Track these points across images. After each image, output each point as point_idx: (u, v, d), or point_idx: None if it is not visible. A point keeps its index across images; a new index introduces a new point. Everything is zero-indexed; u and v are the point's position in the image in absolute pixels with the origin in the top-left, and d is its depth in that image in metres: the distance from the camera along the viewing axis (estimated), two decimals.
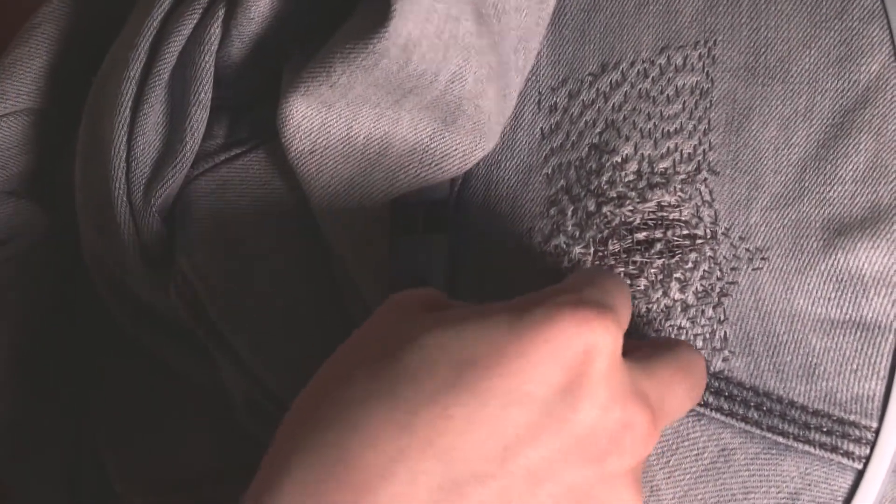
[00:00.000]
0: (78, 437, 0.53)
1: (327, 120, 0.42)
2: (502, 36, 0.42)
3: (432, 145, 0.43)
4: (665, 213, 0.42)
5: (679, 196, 0.42)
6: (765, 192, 0.41)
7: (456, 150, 0.43)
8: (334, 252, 0.44)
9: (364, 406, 0.33)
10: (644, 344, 0.38)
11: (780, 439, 0.40)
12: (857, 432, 0.40)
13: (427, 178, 0.44)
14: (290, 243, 0.45)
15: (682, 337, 0.41)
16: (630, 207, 0.42)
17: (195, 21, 0.43)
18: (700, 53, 0.43)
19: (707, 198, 0.42)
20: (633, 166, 0.42)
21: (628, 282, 0.41)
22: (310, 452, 0.33)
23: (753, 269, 0.41)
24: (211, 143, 0.46)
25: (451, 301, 0.38)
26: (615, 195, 0.42)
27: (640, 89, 0.43)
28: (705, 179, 0.42)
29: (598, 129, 0.43)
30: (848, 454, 0.40)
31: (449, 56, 0.40)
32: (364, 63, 0.40)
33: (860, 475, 0.40)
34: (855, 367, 0.40)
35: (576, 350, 0.33)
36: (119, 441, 0.52)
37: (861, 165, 0.41)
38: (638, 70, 0.44)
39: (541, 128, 0.44)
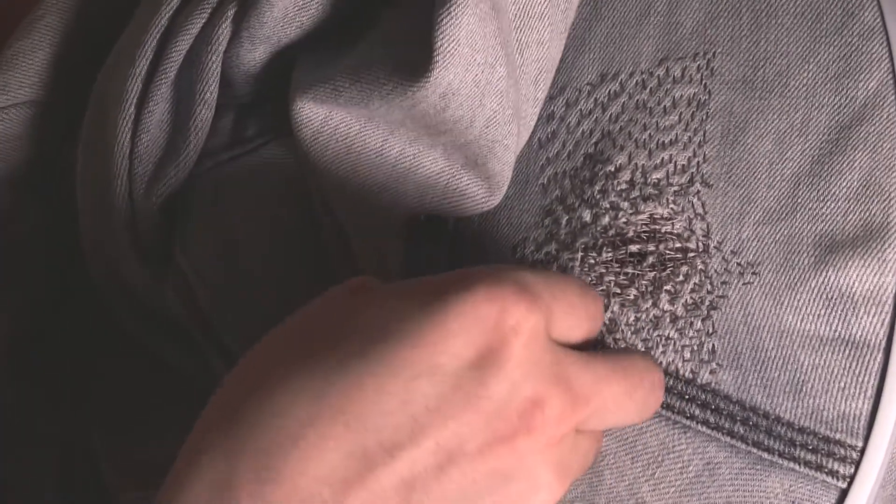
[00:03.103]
0: (72, 432, 0.53)
1: (365, 129, 0.42)
2: (523, 70, 0.42)
3: (461, 172, 0.43)
4: (658, 226, 0.42)
5: (671, 208, 0.42)
6: (757, 206, 0.41)
7: (481, 186, 0.44)
8: (352, 252, 0.44)
9: (281, 377, 0.34)
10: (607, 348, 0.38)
11: (766, 455, 0.40)
12: (842, 451, 0.40)
13: (451, 203, 0.44)
14: (288, 243, 0.45)
15: (670, 348, 0.41)
16: (623, 219, 0.42)
17: (204, 20, 0.43)
18: (699, 65, 0.43)
19: (700, 210, 0.41)
20: (625, 176, 0.42)
21: (618, 291, 0.41)
22: (229, 421, 0.34)
23: (744, 284, 0.41)
24: (214, 142, 0.46)
25: (385, 285, 0.38)
26: (608, 205, 0.42)
27: (637, 100, 0.43)
28: (698, 192, 0.42)
29: (594, 139, 0.43)
30: (832, 473, 0.40)
31: (485, 102, 0.41)
32: (402, 104, 0.40)
33: (844, 494, 0.40)
34: (842, 385, 0.40)
35: (488, 326, 0.34)
36: (112, 434, 0.52)
37: (855, 183, 0.41)
38: (637, 81, 0.44)
39: (538, 137, 0.44)
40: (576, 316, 0.37)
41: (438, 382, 0.33)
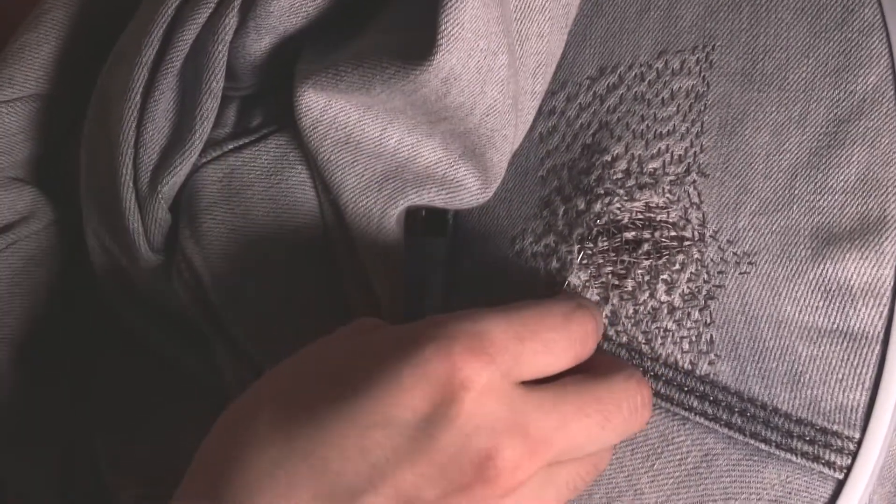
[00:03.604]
0: (73, 430, 0.53)
1: (364, 118, 0.43)
2: (522, 62, 0.42)
3: (459, 162, 0.44)
4: (653, 215, 0.42)
5: (667, 197, 0.42)
6: (754, 196, 0.41)
7: (477, 177, 0.44)
8: (355, 242, 0.44)
9: (261, 417, 0.36)
10: (595, 364, 0.38)
11: (763, 446, 0.40)
12: (839, 442, 0.40)
13: (448, 194, 0.44)
14: (293, 232, 0.45)
15: (669, 339, 0.41)
16: (618, 205, 0.42)
17: (210, 10, 0.43)
18: (698, 58, 0.43)
19: (695, 200, 0.42)
20: (622, 165, 0.42)
21: (616, 282, 0.41)
22: (211, 455, 0.37)
23: (741, 274, 0.41)
24: (219, 132, 0.46)
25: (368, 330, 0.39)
26: (602, 191, 0.42)
27: (635, 92, 0.43)
28: (694, 181, 0.42)
29: (591, 131, 0.43)
30: (829, 464, 0.40)
31: (486, 90, 0.41)
32: (404, 88, 0.40)
33: (841, 485, 0.40)
34: (840, 376, 0.40)
35: (439, 382, 0.35)
36: (113, 432, 0.52)
37: (852, 177, 0.41)
38: (635, 73, 0.44)
39: (539, 131, 0.44)
40: (552, 352, 0.37)
41: (393, 434, 0.35)
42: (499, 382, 0.36)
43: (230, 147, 0.45)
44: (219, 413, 0.49)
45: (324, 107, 0.42)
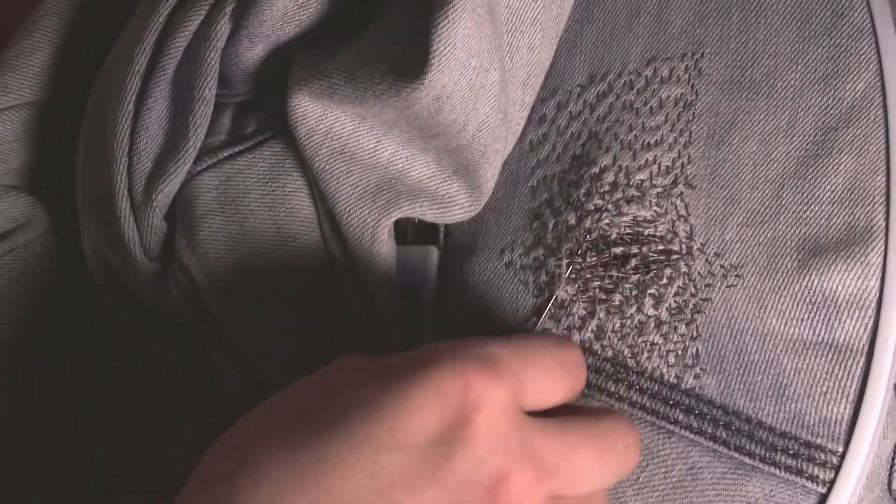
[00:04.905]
0: (73, 438, 0.53)
1: (359, 130, 0.43)
2: (512, 74, 0.42)
3: (452, 178, 0.43)
4: (641, 229, 0.41)
5: (655, 210, 0.41)
6: (741, 207, 0.41)
7: (470, 193, 0.44)
8: (352, 250, 0.44)
9: (256, 448, 0.35)
10: (586, 409, 0.39)
11: (747, 460, 0.40)
12: (822, 456, 0.40)
13: (440, 208, 0.44)
14: (290, 239, 0.45)
15: (655, 353, 0.41)
16: (607, 221, 0.41)
17: (202, 17, 0.43)
18: (687, 65, 0.43)
19: (683, 212, 0.41)
20: (609, 177, 0.42)
21: (603, 297, 0.41)
22: (209, 485, 0.35)
23: (727, 287, 0.41)
24: (214, 139, 0.46)
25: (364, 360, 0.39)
26: (592, 208, 0.42)
27: (624, 100, 0.43)
28: (681, 193, 0.42)
29: (581, 141, 0.43)
30: (813, 478, 0.40)
31: (478, 106, 0.41)
32: (396, 104, 0.40)
33: (824, 499, 0.39)
34: (824, 389, 0.40)
35: (452, 402, 0.34)
36: (115, 441, 0.52)
37: (839, 186, 0.41)
38: (624, 81, 0.43)
39: (530, 139, 0.44)
40: (551, 380, 0.37)
41: (404, 458, 0.34)
42: (509, 404, 0.35)
43: (225, 154, 0.45)
44: (217, 417, 0.49)
45: (319, 116, 0.42)
